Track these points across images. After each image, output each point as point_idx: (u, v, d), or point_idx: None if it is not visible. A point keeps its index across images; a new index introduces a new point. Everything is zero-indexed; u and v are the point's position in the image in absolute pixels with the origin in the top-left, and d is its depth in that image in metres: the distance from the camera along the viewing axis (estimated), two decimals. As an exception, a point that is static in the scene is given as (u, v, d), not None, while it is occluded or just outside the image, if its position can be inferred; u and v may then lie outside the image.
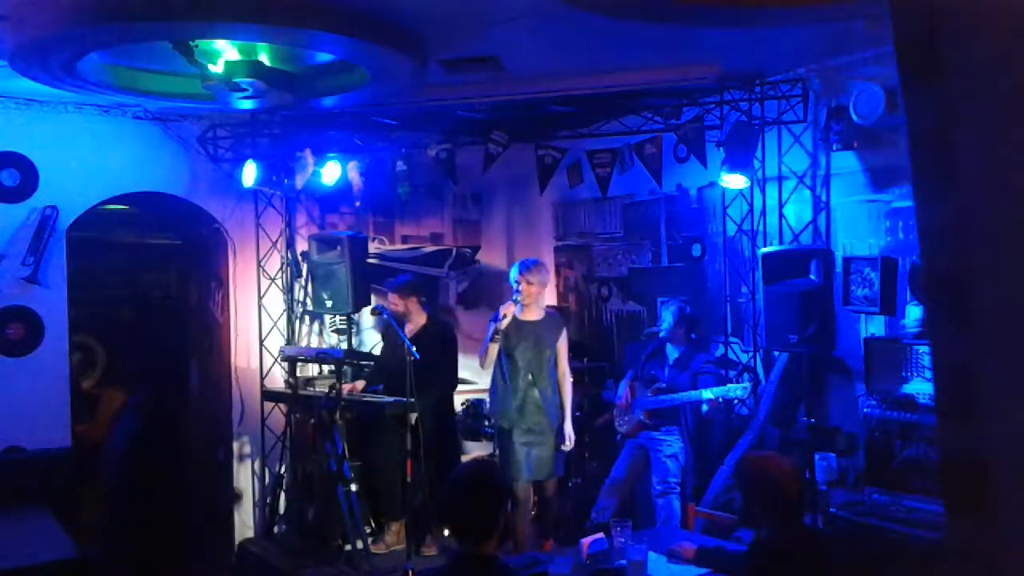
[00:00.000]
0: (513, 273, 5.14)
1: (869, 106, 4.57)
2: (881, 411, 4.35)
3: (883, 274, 4.48)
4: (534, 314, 5.14)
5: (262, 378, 6.03)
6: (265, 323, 6.06)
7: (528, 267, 5.11)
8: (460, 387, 5.87)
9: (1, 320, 5.19)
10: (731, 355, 5.57)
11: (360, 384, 5.57)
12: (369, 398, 5.47)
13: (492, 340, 5.06)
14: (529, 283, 5.03)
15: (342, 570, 5.01)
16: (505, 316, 4.98)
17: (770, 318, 4.82)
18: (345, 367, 5.56)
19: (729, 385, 4.89)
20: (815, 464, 4.69)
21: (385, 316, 5.62)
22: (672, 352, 5.27)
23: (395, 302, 5.53)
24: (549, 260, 7.32)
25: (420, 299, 5.59)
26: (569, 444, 5.22)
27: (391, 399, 5.37)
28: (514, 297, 5.05)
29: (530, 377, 5.09)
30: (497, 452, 5.37)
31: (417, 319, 5.52)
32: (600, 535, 3.67)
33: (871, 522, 4.01)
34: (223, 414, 6.12)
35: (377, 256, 6.56)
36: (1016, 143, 0.83)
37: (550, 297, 7.23)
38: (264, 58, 4.34)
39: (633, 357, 5.74)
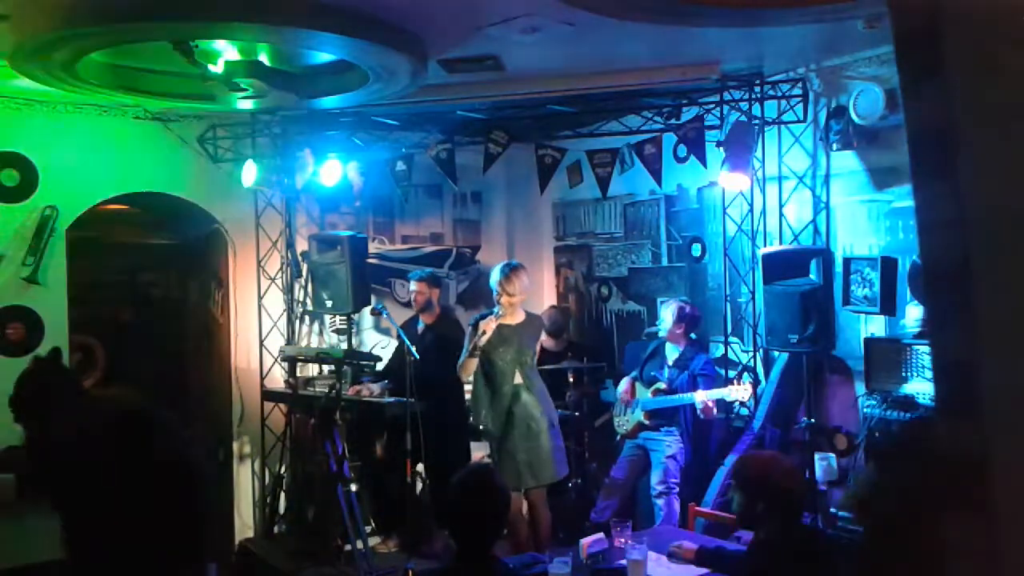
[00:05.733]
0: (492, 280, 4.99)
1: (869, 106, 4.58)
2: (881, 411, 4.35)
3: (883, 274, 4.49)
4: (515, 318, 4.98)
5: (262, 378, 6.04)
6: (265, 323, 6.06)
7: (507, 274, 4.91)
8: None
9: (1, 320, 5.19)
10: (731, 355, 5.57)
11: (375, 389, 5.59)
12: (369, 398, 5.48)
13: (471, 355, 4.91)
14: (510, 295, 4.86)
15: (342, 570, 5.01)
16: (484, 332, 4.82)
17: (770, 318, 4.82)
18: (345, 367, 5.57)
19: (729, 387, 4.88)
20: (815, 464, 4.69)
21: (385, 316, 5.64)
22: (672, 352, 5.27)
23: (422, 290, 5.65)
24: (549, 260, 7.33)
25: (440, 293, 5.93)
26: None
27: (391, 399, 5.38)
28: (495, 310, 4.91)
29: (518, 380, 4.94)
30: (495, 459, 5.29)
31: (435, 310, 5.76)
32: (600, 535, 3.67)
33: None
34: (223, 414, 6.12)
35: (377, 256, 6.57)
36: (1016, 143, 0.83)
37: (550, 297, 7.24)
38: (264, 58, 4.34)
39: (633, 357, 5.74)
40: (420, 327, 5.75)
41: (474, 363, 4.96)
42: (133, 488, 1.45)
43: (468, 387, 5.79)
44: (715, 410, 4.91)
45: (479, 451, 5.92)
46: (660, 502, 5.05)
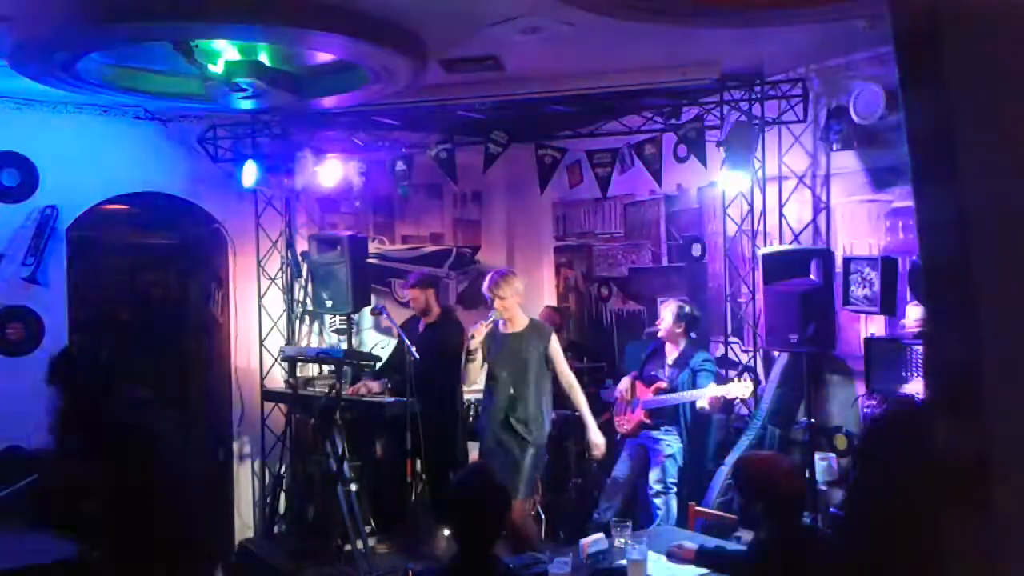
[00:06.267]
0: (484, 288, 4.90)
1: (869, 106, 4.58)
2: (881, 411, 4.35)
3: (883, 274, 4.48)
4: (515, 325, 4.88)
5: (262, 378, 6.04)
6: (265, 323, 6.06)
7: (496, 281, 4.80)
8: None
9: (1, 320, 5.19)
10: (731, 355, 5.57)
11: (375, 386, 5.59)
12: (369, 398, 5.48)
13: (468, 360, 4.84)
14: (501, 298, 4.76)
15: (342, 570, 5.01)
16: (473, 336, 4.77)
17: (770, 318, 4.82)
18: (345, 367, 5.57)
19: (730, 384, 4.89)
20: (815, 464, 4.69)
21: (385, 316, 5.64)
22: (671, 351, 5.27)
23: (416, 295, 5.66)
24: (549, 260, 7.33)
25: (436, 291, 5.86)
26: (598, 452, 5.00)
27: (391, 399, 5.39)
28: (491, 315, 4.85)
29: (511, 391, 4.80)
30: None
31: (434, 311, 5.74)
32: (600, 535, 3.67)
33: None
34: (223, 414, 6.12)
35: (377, 256, 6.58)
36: (1016, 143, 0.83)
37: (550, 297, 7.24)
38: (264, 58, 4.34)
39: (633, 357, 5.74)
40: (421, 327, 5.75)
41: (475, 369, 4.92)
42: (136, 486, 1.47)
43: (466, 388, 5.80)
44: (721, 402, 4.89)
45: (477, 451, 5.93)
46: (658, 501, 5.05)
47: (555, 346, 4.94)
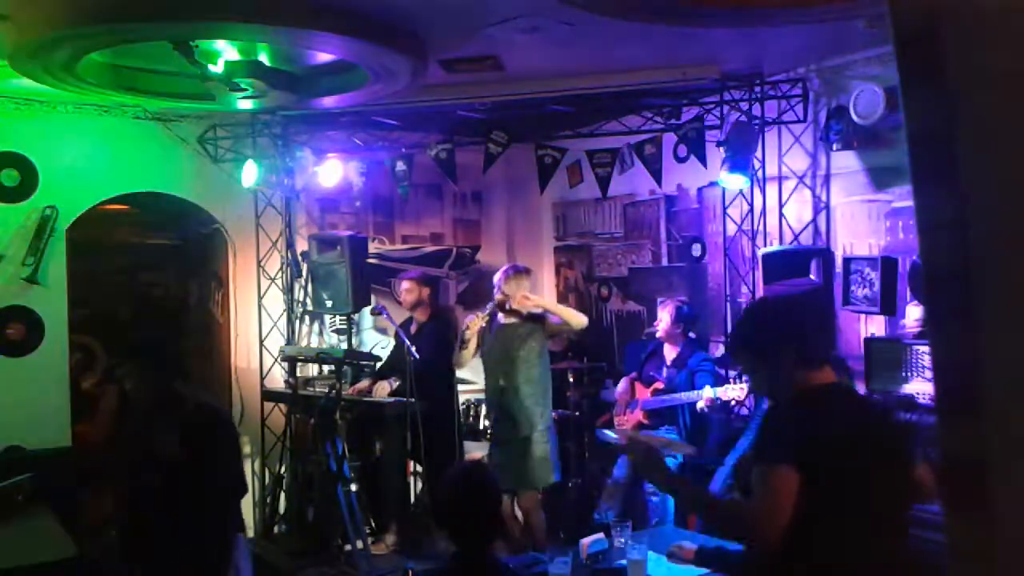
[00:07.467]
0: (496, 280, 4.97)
1: (869, 106, 4.57)
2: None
3: (883, 274, 4.48)
4: (510, 317, 4.92)
5: (262, 378, 6.03)
6: (265, 323, 6.06)
7: (505, 276, 4.86)
8: (461, 387, 5.88)
9: (1, 320, 5.19)
10: (731, 355, 5.57)
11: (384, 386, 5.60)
12: (369, 398, 5.48)
13: (461, 348, 4.94)
14: (504, 295, 4.81)
15: (342, 570, 5.01)
16: (468, 327, 4.87)
17: (770, 318, 4.81)
18: (345, 367, 5.57)
19: (727, 385, 4.88)
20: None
21: (385, 316, 5.64)
22: (670, 352, 5.27)
23: (411, 289, 5.68)
24: (549, 260, 7.32)
25: (432, 292, 5.89)
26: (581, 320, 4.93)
27: (391, 399, 5.39)
28: (487, 307, 4.90)
29: (502, 383, 4.85)
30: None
31: (427, 309, 5.77)
32: (600, 535, 3.67)
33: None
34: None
35: (377, 256, 6.57)
36: (1016, 143, 0.83)
37: (550, 297, 7.23)
38: (264, 58, 4.34)
39: (633, 357, 5.74)
40: (413, 327, 5.75)
41: (467, 355, 4.97)
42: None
43: (461, 386, 5.81)
44: (718, 403, 4.89)
45: (478, 451, 5.93)
46: (655, 500, 5.04)
47: (528, 292, 4.92)
